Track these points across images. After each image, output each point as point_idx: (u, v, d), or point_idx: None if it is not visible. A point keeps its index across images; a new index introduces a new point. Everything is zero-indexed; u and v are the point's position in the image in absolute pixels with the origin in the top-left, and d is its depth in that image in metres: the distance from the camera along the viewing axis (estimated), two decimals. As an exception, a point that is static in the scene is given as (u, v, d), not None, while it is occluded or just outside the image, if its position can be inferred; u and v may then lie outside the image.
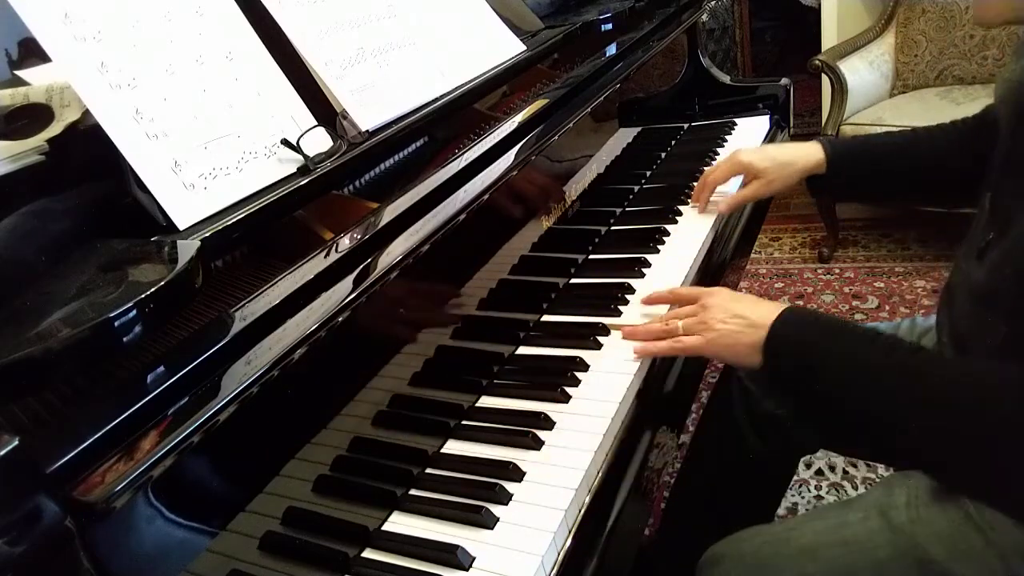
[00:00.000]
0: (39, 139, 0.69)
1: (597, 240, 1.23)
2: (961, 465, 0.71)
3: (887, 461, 0.76)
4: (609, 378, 0.89)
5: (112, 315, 0.48)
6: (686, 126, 1.69)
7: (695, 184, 1.29)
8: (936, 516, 0.78)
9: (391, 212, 0.78)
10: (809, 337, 0.78)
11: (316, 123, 0.77)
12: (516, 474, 0.76)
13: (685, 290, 0.97)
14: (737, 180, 1.23)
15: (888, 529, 0.80)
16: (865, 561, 0.79)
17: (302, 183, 0.73)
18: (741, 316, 0.83)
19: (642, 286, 1.07)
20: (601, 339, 0.96)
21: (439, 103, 0.92)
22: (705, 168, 1.42)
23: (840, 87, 2.56)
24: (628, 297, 1.04)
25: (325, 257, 0.70)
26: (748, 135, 1.59)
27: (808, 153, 1.14)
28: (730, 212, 1.24)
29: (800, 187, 1.19)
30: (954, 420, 0.69)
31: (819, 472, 1.75)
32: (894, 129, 2.41)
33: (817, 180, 1.16)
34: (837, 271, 2.58)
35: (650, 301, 1.00)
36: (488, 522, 0.71)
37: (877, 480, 1.69)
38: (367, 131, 0.83)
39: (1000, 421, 0.66)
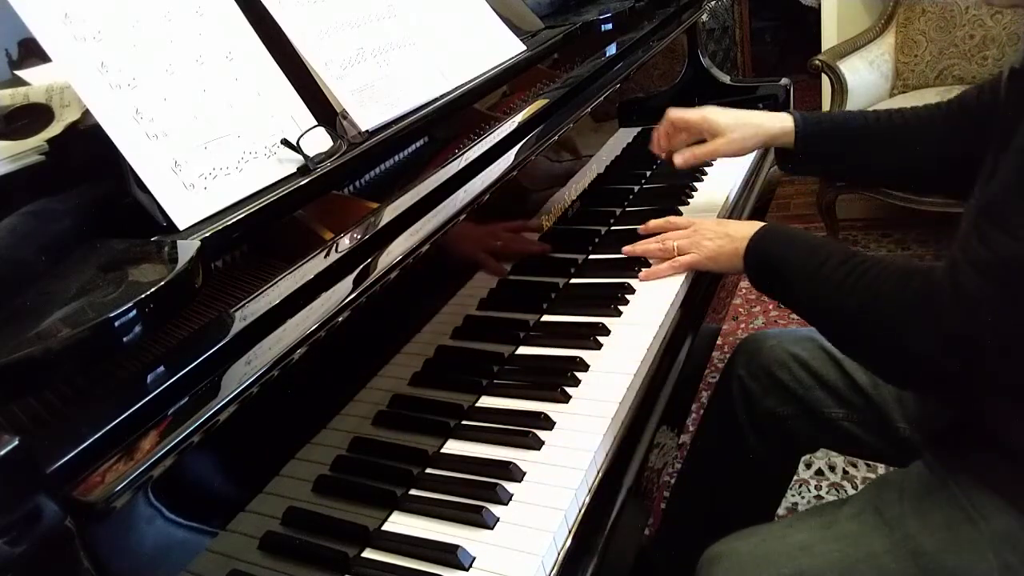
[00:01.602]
0: (39, 139, 0.69)
1: (597, 240, 1.23)
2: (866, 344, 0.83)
3: (828, 334, 0.91)
4: (609, 378, 0.89)
5: (112, 315, 0.48)
6: (686, 126, 1.69)
7: (695, 185, 1.29)
8: (928, 508, 0.79)
9: (391, 212, 0.78)
10: (775, 248, 0.93)
11: (316, 123, 0.77)
12: (516, 474, 0.76)
13: (677, 219, 1.13)
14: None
15: (881, 523, 0.81)
16: (860, 555, 0.80)
17: (302, 183, 0.73)
18: (726, 233, 1.00)
19: (642, 286, 1.07)
20: (601, 339, 0.96)
21: (439, 103, 0.92)
22: (706, 168, 1.42)
23: (840, 87, 2.55)
24: (628, 297, 1.04)
25: (325, 257, 0.70)
26: (748, 135, 1.58)
27: (777, 121, 1.12)
28: (685, 167, 1.19)
29: (801, 185, 1.18)
30: (859, 304, 0.80)
31: (819, 472, 1.75)
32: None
33: (785, 153, 1.14)
34: (837, 271, 2.58)
35: (647, 229, 1.13)
36: (488, 522, 0.71)
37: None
38: (367, 131, 0.83)
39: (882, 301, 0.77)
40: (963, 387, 0.76)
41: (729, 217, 1.30)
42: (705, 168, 1.42)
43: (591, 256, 1.19)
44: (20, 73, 0.81)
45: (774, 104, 1.67)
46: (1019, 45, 0.92)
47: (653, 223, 1.13)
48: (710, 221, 1.07)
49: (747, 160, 1.47)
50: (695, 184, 1.38)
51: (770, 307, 2.46)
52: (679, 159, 1.17)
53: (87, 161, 0.69)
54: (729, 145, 1.14)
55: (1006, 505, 0.76)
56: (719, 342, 2.21)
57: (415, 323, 0.81)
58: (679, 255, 1.05)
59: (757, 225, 0.97)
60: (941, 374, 0.75)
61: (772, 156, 1.54)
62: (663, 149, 1.22)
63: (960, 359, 0.71)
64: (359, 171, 0.84)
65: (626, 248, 1.11)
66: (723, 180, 1.39)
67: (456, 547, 0.68)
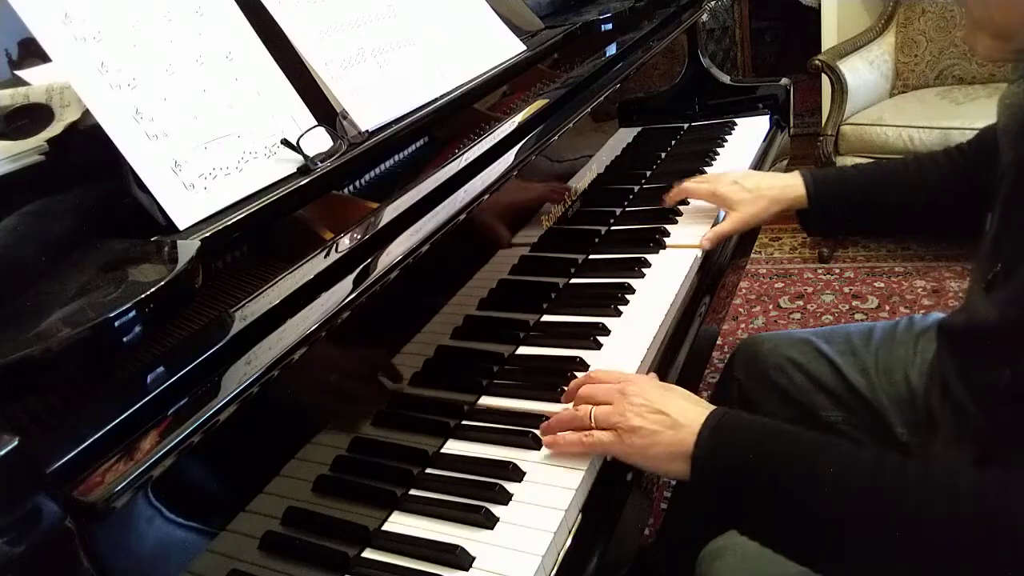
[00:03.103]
0: (39, 139, 0.69)
1: (597, 240, 1.23)
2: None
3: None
4: (609, 378, 0.88)
5: (112, 315, 0.48)
6: (686, 126, 1.69)
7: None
8: None
9: (391, 212, 0.78)
10: (746, 445, 0.68)
11: (316, 123, 0.77)
12: (516, 474, 0.76)
13: (604, 373, 0.83)
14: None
15: None
16: None
17: (302, 183, 0.73)
18: (663, 412, 0.72)
19: (642, 286, 1.07)
20: (601, 339, 0.96)
21: (439, 103, 0.92)
22: (705, 168, 1.42)
23: (840, 87, 2.56)
24: (628, 297, 1.04)
25: (325, 257, 0.70)
26: (748, 135, 1.59)
27: (787, 187, 1.11)
28: (712, 247, 1.17)
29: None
30: (920, 532, 0.61)
31: (819, 472, 1.75)
32: (893, 129, 2.43)
33: (805, 215, 1.14)
34: (837, 271, 2.58)
35: (568, 395, 0.83)
36: (488, 522, 0.71)
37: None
38: (367, 131, 0.83)
39: (973, 530, 0.59)
40: None
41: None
42: (704, 168, 1.42)
43: (591, 256, 1.19)
44: (20, 73, 0.81)
45: (774, 104, 1.67)
46: (1012, 88, 0.83)
47: (574, 383, 0.83)
48: (647, 383, 0.78)
49: (748, 158, 1.47)
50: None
51: (770, 307, 2.46)
52: (706, 243, 1.15)
53: (87, 161, 0.69)
54: (744, 219, 1.14)
55: None
56: (719, 342, 2.21)
57: (415, 323, 0.81)
58: (596, 427, 0.75)
59: (706, 407, 0.73)
60: None
61: (773, 154, 1.55)
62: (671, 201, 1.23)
63: None
64: (359, 171, 0.84)
65: (543, 425, 0.80)
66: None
67: (456, 547, 0.68)
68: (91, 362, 0.51)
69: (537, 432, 0.81)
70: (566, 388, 0.86)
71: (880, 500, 0.62)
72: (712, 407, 0.73)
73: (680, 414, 0.71)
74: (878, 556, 0.62)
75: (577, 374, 0.89)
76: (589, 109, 1.15)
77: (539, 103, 1.06)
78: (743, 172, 1.23)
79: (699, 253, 1.14)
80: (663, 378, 0.93)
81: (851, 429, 1.08)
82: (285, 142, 0.74)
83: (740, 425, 0.71)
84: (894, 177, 1.08)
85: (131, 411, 0.51)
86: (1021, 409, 0.70)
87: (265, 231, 0.71)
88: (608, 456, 0.77)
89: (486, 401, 0.89)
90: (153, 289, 0.51)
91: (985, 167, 0.84)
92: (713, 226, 1.20)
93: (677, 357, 0.97)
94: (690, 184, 1.21)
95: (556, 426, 0.79)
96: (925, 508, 0.61)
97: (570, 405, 0.81)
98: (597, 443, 0.74)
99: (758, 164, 1.48)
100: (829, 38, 2.94)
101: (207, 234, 0.63)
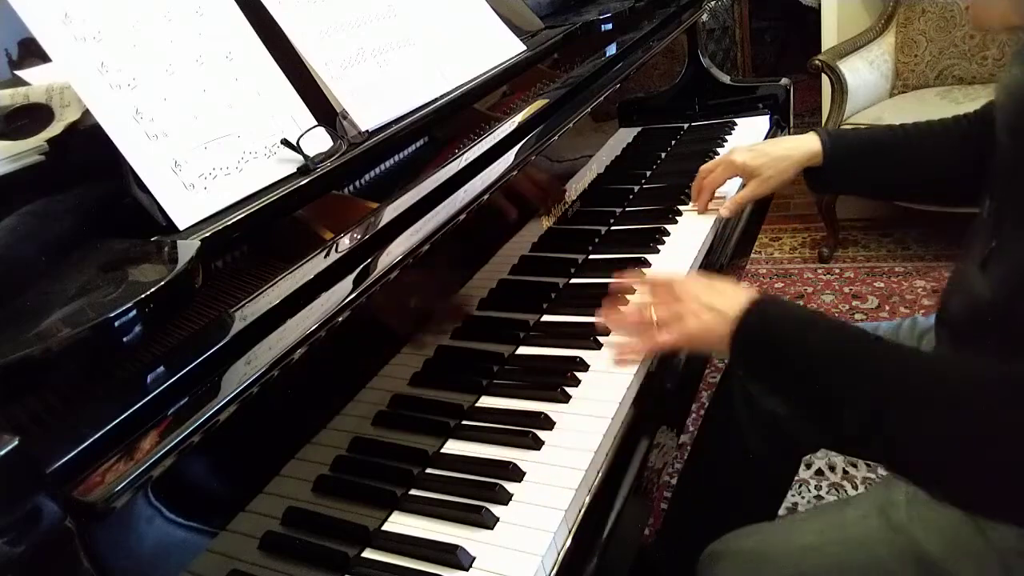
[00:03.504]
0: (39, 139, 0.69)
1: (597, 240, 1.23)
2: (935, 464, 0.66)
3: (857, 453, 0.76)
4: (609, 378, 0.89)
5: (112, 315, 0.48)
6: (686, 126, 1.69)
7: (698, 194, 1.28)
8: (935, 514, 0.78)
9: (391, 212, 0.78)
10: (777, 331, 0.75)
11: (316, 123, 0.77)
12: (516, 474, 0.76)
13: (656, 277, 0.93)
14: (735, 181, 1.23)
15: (887, 527, 0.80)
16: (864, 558, 0.80)
17: (302, 183, 0.73)
18: (713, 308, 0.80)
19: (642, 286, 1.07)
20: (601, 339, 0.95)
21: (439, 103, 0.92)
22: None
23: (840, 87, 2.56)
24: (628, 297, 1.04)
25: (325, 257, 0.70)
26: (748, 135, 1.59)
27: (804, 144, 1.13)
28: (731, 215, 1.24)
29: (800, 186, 1.18)
30: (929, 416, 0.64)
31: (819, 472, 1.75)
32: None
33: (814, 173, 1.15)
34: (837, 271, 2.58)
35: (619, 286, 0.97)
36: (488, 522, 0.71)
37: (877, 480, 1.69)
38: (367, 131, 0.83)
39: (975, 420, 0.63)
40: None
41: (729, 217, 1.29)
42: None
43: (591, 256, 1.19)
44: (20, 73, 0.81)
45: (774, 104, 1.67)
46: (1010, 71, 0.82)
47: (627, 278, 0.97)
48: (695, 284, 0.85)
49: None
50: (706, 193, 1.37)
51: (770, 307, 2.45)
52: (725, 211, 1.22)
53: (87, 161, 0.69)
54: (765, 184, 1.16)
55: None
56: (719, 342, 2.21)
57: (415, 323, 0.81)
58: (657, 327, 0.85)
59: (747, 295, 0.79)
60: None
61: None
62: (703, 208, 1.26)
63: None
64: (359, 171, 0.84)
65: (601, 311, 0.94)
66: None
67: (456, 547, 0.68)
68: (91, 362, 0.51)
69: (537, 432, 0.81)
70: (566, 387, 0.86)
71: (878, 375, 0.67)
72: (752, 295, 0.79)
73: (726, 306, 0.78)
74: (872, 425, 0.66)
75: (577, 374, 0.89)
76: (589, 109, 1.15)
77: (539, 103, 1.06)
78: (755, 142, 1.25)
79: (699, 252, 1.14)
80: (662, 377, 0.93)
81: None
82: (285, 142, 0.74)
83: (769, 314, 0.77)
84: (906, 138, 1.10)
85: (131, 411, 0.51)
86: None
87: (265, 231, 0.71)
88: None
89: (486, 401, 0.89)
90: (153, 289, 0.51)
91: (987, 140, 0.85)
92: (713, 222, 1.20)
93: (678, 356, 0.97)
94: (708, 173, 1.22)
95: (617, 323, 0.93)
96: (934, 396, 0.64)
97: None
98: (659, 345, 0.86)
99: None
100: (829, 38, 2.94)
101: (207, 234, 0.63)
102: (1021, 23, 0.75)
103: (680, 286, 0.85)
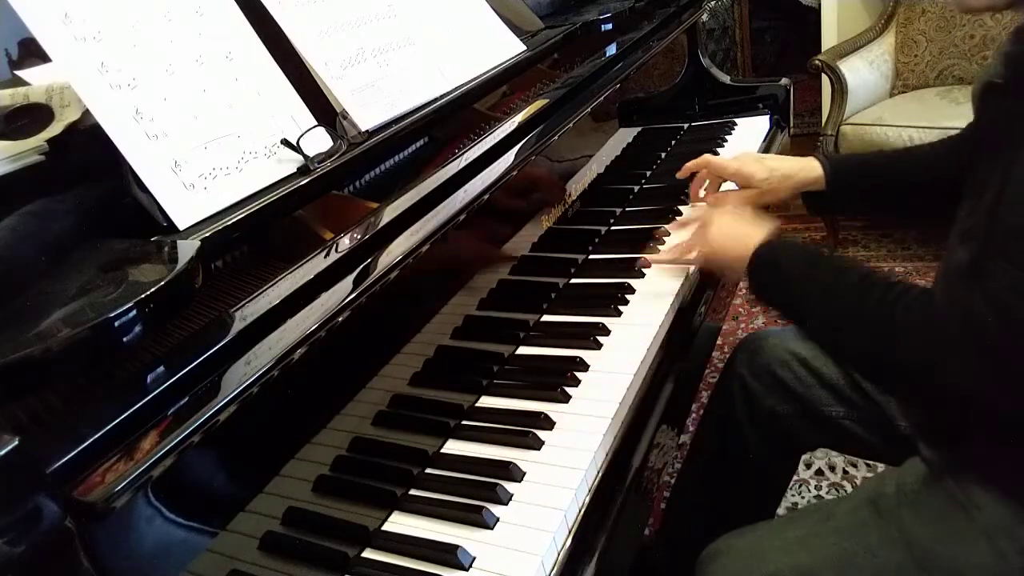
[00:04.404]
0: (39, 139, 0.69)
1: (597, 240, 1.23)
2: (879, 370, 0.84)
3: (838, 358, 0.95)
4: (609, 378, 0.89)
5: (112, 315, 0.48)
6: (686, 126, 1.69)
7: (695, 180, 1.28)
8: (923, 501, 0.81)
9: (391, 212, 0.78)
10: (784, 264, 0.90)
11: (316, 123, 0.77)
12: (516, 474, 0.76)
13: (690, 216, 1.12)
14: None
15: (877, 516, 0.82)
16: (856, 547, 0.81)
17: (302, 183, 0.73)
18: (735, 239, 0.96)
19: (642, 286, 1.07)
20: (601, 339, 0.96)
21: (439, 103, 0.92)
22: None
23: (840, 87, 2.55)
24: (628, 297, 1.04)
25: (325, 257, 0.70)
26: (748, 135, 1.59)
27: (807, 168, 1.15)
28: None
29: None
30: (871, 337, 0.79)
31: (819, 472, 1.75)
32: (893, 129, 2.43)
33: (815, 197, 1.16)
34: (837, 271, 2.58)
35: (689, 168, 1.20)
36: (488, 522, 0.71)
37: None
38: (367, 131, 0.83)
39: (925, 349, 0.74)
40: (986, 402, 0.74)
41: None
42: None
43: (591, 256, 1.19)
44: (20, 73, 0.81)
45: (774, 104, 1.67)
46: (993, 55, 0.92)
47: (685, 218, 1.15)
48: (722, 216, 1.03)
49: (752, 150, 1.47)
50: (695, 178, 1.37)
51: (770, 307, 2.45)
52: (711, 199, 1.23)
53: (87, 161, 0.69)
54: (760, 197, 1.18)
55: (1000, 495, 0.76)
56: (719, 342, 2.21)
57: (415, 323, 0.81)
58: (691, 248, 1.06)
59: (765, 229, 0.95)
60: (972, 399, 0.74)
61: (777, 146, 1.55)
62: (696, 194, 1.28)
63: (999, 383, 0.70)
64: (359, 171, 0.84)
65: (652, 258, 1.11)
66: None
67: (456, 547, 0.68)
68: (91, 362, 0.51)
69: (537, 432, 0.81)
70: (566, 387, 0.87)
71: (874, 302, 0.78)
72: (769, 227, 0.95)
73: (744, 237, 0.95)
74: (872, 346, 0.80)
75: (577, 374, 0.89)
76: (589, 109, 1.15)
77: (539, 103, 1.06)
78: (762, 154, 1.29)
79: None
80: (663, 377, 0.94)
81: (853, 424, 1.08)
82: (285, 142, 0.74)
83: (779, 249, 0.92)
84: (901, 162, 1.13)
85: (131, 411, 0.51)
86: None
87: (265, 231, 0.71)
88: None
89: (486, 401, 0.89)
90: (153, 289, 0.51)
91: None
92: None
93: (677, 357, 0.97)
94: (716, 160, 1.23)
95: (660, 256, 1.12)
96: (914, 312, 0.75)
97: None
98: (694, 260, 1.06)
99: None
100: (829, 38, 2.94)
101: (207, 234, 0.63)
102: (1005, 4, 0.76)
103: (711, 214, 1.04)
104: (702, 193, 1.26)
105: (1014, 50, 0.79)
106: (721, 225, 1.01)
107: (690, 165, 1.25)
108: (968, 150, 0.97)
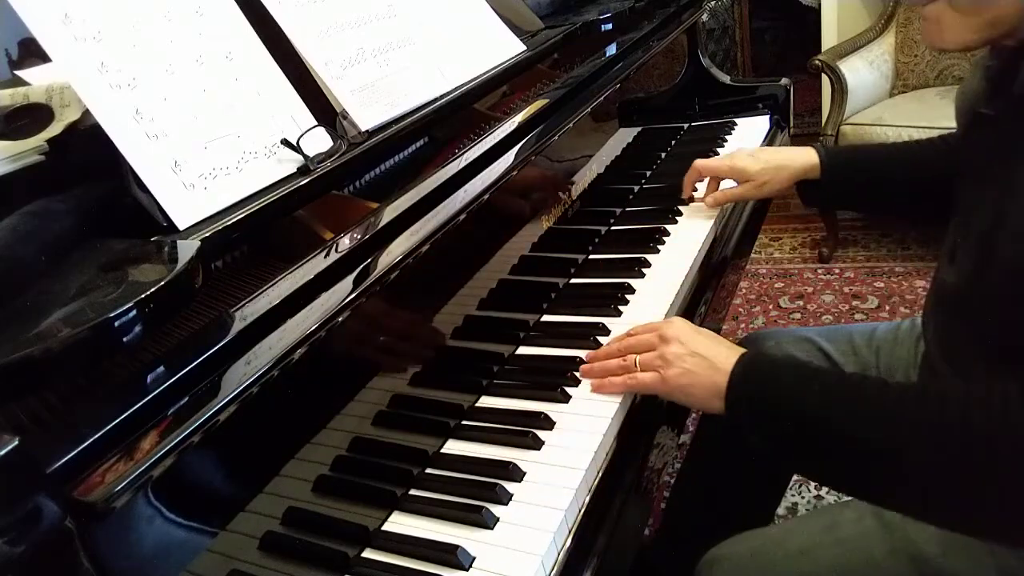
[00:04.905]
0: (39, 139, 0.69)
1: (597, 240, 1.23)
2: (934, 500, 0.67)
3: (860, 496, 0.76)
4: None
5: (112, 315, 0.48)
6: (686, 126, 1.69)
7: (686, 178, 1.28)
8: None
9: (391, 212, 0.78)
10: (771, 388, 0.75)
11: (316, 123, 0.77)
12: (516, 474, 0.76)
13: (641, 326, 0.89)
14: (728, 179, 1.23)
15: (882, 527, 0.81)
16: (860, 559, 0.80)
17: (302, 183, 0.73)
18: (700, 355, 0.78)
19: (642, 286, 1.07)
20: (601, 339, 0.95)
21: (439, 103, 0.92)
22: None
23: (840, 87, 2.56)
24: (628, 297, 1.04)
25: (325, 257, 0.70)
26: (748, 135, 1.59)
27: (803, 156, 1.14)
28: (716, 206, 1.23)
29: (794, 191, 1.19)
30: (919, 460, 0.65)
31: (819, 472, 1.75)
32: (893, 129, 2.43)
33: (810, 187, 1.16)
34: (837, 271, 2.58)
35: (594, 358, 0.89)
36: (488, 522, 0.71)
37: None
38: (367, 131, 0.83)
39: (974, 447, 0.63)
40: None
41: (729, 217, 1.29)
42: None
43: (591, 256, 1.19)
44: (20, 73, 0.81)
45: (774, 104, 1.67)
46: (969, 80, 0.88)
47: (616, 345, 0.88)
48: (682, 328, 0.83)
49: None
50: (696, 184, 1.37)
51: (770, 307, 2.46)
52: (710, 200, 1.23)
53: (87, 161, 0.69)
54: (759, 189, 1.17)
55: None
56: (719, 342, 2.21)
57: (415, 323, 0.81)
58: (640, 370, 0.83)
59: (736, 349, 0.79)
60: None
61: (777, 146, 1.54)
62: (689, 194, 1.28)
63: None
64: (359, 171, 0.84)
65: (584, 368, 0.88)
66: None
67: (456, 547, 0.68)
68: (91, 362, 0.51)
69: (537, 432, 0.81)
70: (566, 387, 0.87)
71: (885, 419, 0.67)
72: (741, 349, 0.79)
73: (715, 356, 0.78)
74: (886, 473, 0.68)
75: (577, 374, 0.89)
76: (589, 109, 1.15)
77: (539, 103, 1.06)
78: (756, 148, 1.27)
79: (699, 252, 1.14)
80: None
81: None
82: (285, 142, 0.74)
83: (765, 364, 0.78)
84: (901, 151, 1.12)
85: (131, 411, 0.51)
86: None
87: (265, 231, 0.71)
88: (638, 397, 0.84)
89: (486, 401, 0.89)
90: (153, 289, 0.51)
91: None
92: (713, 222, 1.20)
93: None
94: (705, 161, 1.23)
95: (599, 370, 0.86)
96: (928, 423, 0.65)
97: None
98: (641, 384, 0.82)
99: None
100: (829, 38, 2.94)
101: (207, 234, 0.63)
102: (977, 45, 0.74)
103: (666, 327, 0.83)
104: (701, 191, 1.26)
105: (994, 65, 0.78)
106: (681, 340, 0.81)
107: (687, 182, 1.26)
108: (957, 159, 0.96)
